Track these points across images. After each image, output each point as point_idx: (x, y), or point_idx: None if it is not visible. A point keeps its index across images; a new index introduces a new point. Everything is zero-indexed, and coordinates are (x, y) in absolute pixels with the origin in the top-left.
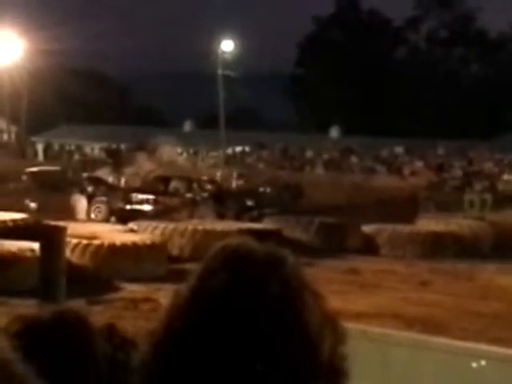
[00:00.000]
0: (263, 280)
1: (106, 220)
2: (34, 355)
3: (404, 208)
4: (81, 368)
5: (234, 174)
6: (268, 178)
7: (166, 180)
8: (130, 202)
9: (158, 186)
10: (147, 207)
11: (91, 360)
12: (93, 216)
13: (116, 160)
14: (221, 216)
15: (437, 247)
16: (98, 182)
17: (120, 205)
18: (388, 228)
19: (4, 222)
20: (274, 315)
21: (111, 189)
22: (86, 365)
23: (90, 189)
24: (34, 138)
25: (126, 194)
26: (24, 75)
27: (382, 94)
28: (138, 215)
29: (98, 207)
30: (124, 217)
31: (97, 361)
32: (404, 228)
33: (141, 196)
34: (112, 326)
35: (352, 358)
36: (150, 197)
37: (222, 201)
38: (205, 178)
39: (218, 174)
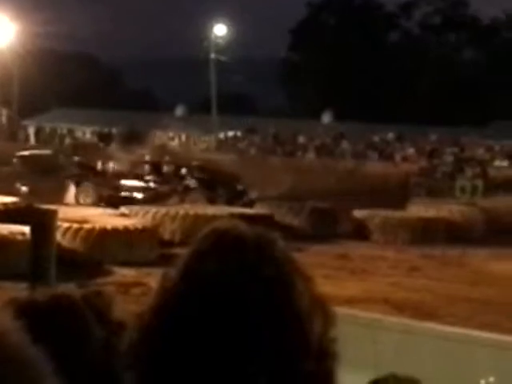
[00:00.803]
0: (253, 263)
1: (95, 205)
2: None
3: (395, 194)
4: (76, 353)
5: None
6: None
7: (155, 165)
8: (120, 188)
9: (147, 171)
10: (137, 193)
11: (87, 345)
12: (81, 201)
13: (107, 144)
14: (212, 202)
15: (428, 233)
16: (85, 166)
17: (109, 191)
18: (379, 213)
19: None
20: (264, 298)
21: (100, 174)
22: (82, 349)
23: (77, 173)
24: (25, 122)
25: (115, 180)
26: (15, 58)
27: (375, 80)
28: (127, 202)
29: (86, 192)
30: (113, 203)
31: (92, 346)
32: (395, 213)
33: (130, 182)
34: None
35: (343, 342)
36: (140, 183)
37: (213, 186)
38: (195, 163)
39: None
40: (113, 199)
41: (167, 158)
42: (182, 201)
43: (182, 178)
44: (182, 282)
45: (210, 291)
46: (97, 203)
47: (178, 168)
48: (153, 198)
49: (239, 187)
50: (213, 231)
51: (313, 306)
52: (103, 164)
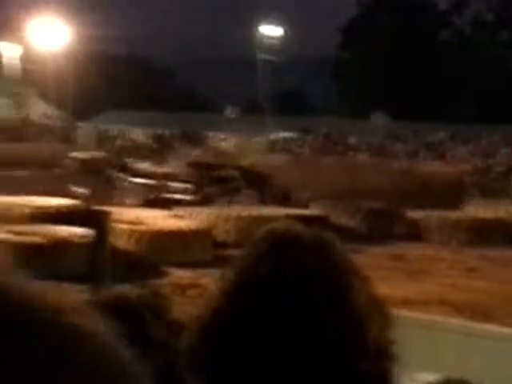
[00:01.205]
0: (311, 264)
1: (141, 207)
2: None
3: (450, 194)
4: (139, 355)
5: None
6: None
7: (206, 167)
8: (167, 190)
9: (197, 173)
10: (184, 195)
11: (146, 346)
12: (127, 203)
13: (160, 145)
14: (263, 203)
15: (484, 234)
16: (132, 168)
17: (156, 193)
18: (435, 214)
19: (51, 207)
20: (322, 299)
21: (147, 176)
22: (141, 351)
23: (123, 176)
24: (79, 124)
25: (163, 181)
26: (70, 61)
27: (427, 78)
28: (174, 203)
29: (132, 194)
30: (160, 205)
31: (151, 347)
32: (451, 214)
33: (178, 184)
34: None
35: (402, 344)
36: (188, 185)
37: (263, 187)
38: (244, 164)
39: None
40: (160, 201)
41: (218, 160)
42: (231, 202)
43: (232, 179)
44: (239, 284)
45: (268, 292)
46: (143, 205)
47: (228, 169)
48: (201, 199)
49: (284, 188)
50: (270, 233)
51: (370, 307)
52: (152, 165)
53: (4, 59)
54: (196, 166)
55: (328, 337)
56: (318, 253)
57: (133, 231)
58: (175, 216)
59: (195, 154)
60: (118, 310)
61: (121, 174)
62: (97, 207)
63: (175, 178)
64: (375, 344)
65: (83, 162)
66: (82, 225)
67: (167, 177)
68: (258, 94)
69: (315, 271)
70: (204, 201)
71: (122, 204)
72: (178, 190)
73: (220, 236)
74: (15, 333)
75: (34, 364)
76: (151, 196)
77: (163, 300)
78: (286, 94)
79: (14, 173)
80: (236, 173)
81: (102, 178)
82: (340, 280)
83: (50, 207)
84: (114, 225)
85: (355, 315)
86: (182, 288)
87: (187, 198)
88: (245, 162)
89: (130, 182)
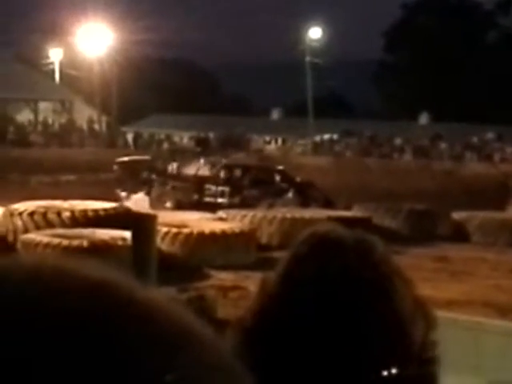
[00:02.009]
0: (353, 266)
1: (174, 210)
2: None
3: (495, 195)
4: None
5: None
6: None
7: (246, 169)
8: (204, 193)
9: (232, 175)
10: (222, 198)
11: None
12: (167, 206)
13: (204, 149)
14: (304, 206)
15: None
16: (165, 171)
17: (190, 196)
18: (479, 215)
19: (96, 211)
20: (365, 301)
21: (183, 179)
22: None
23: (156, 179)
24: (124, 128)
25: (199, 185)
26: (114, 66)
27: (472, 80)
28: (213, 207)
29: (166, 198)
30: (196, 208)
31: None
32: (495, 215)
33: (216, 187)
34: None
35: (444, 346)
36: (226, 188)
37: (306, 191)
38: (280, 167)
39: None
40: (195, 204)
41: (258, 162)
42: (271, 205)
43: (272, 181)
44: (282, 287)
45: (311, 296)
46: (176, 208)
47: (268, 172)
48: (240, 204)
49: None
50: (312, 235)
51: (414, 310)
52: (190, 168)
53: (52, 65)
54: (233, 168)
55: (371, 341)
56: (360, 255)
57: (177, 234)
58: (219, 219)
59: (237, 156)
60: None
61: (161, 178)
62: (142, 210)
63: (213, 181)
64: (420, 347)
65: (129, 165)
66: (126, 228)
67: (205, 180)
68: (302, 97)
69: (357, 274)
70: (243, 204)
71: (162, 207)
72: (216, 193)
73: (264, 238)
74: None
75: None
76: (189, 199)
77: (209, 302)
78: (330, 97)
79: (60, 177)
80: (277, 175)
81: (144, 181)
82: (383, 283)
83: (94, 211)
84: (159, 228)
85: (399, 318)
86: (225, 290)
87: (224, 201)
88: (287, 164)
89: (170, 185)
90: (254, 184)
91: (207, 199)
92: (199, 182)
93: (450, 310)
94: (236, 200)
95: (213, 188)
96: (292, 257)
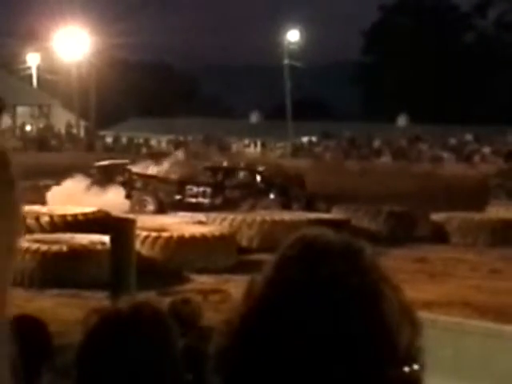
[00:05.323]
0: (341, 271)
1: (155, 213)
2: (113, 348)
3: (474, 196)
4: (158, 360)
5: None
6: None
7: (226, 171)
8: (184, 195)
9: (214, 177)
10: (203, 199)
11: (168, 352)
12: (136, 209)
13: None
14: (286, 207)
15: (508, 235)
16: (143, 175)
17: (174, 197)
18: (458, 216)
19: (75, 215)
20: (352, 306)
21: (163, 181)
22: (164, 357)
23: (133, 181)
24: (102, 132)
25: (179, 187)
26: (92, 70)
27: (450, 81)
28: (194, 208)
29: (145, 200)
30: (179, 210)
31: (174, 353)
32: (474, 216)
33: (196, 188)
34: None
35: (424, 346)
36: (207, 189)
37: (287, 192)
38: (261, 168)
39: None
40: (180, 206)
41: (240, 165)
42: (253, 207)
43: (253, 184)
44: (269, 290)
45: (298, 299)
46: (157, 211)
47: (249, 173)
48: (221, 204)
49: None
50: (300, 239)
51: (401, 315)
52: (170, 170)
53: (30, 70)
54: (213, 170)
55: (358, 345)
56: (349, 260)
57: (157, 238)
58: (199, 222)
59: (217, 159)
60: (142, 318)
61: (141, 180)
62: (121, 214)
63: (193, 183)
64: (405, 352)
65: (108, 169)
66: (105, 232)
67: (185, 181)
68: (281, 100)
69: (345, 279)
70: (224, 205)
71: (142, 211)
72: (197, 193)
73: (244, 241)
74: None
75: None
76: (168, 200)
77: (193, 306)
78: (309, 100)
79: (39, 182)
80: (256, 177)
81: (123, 184)
82: (371, 289)
83: (73, 215)
84: (138, 232)
85: (386, 323)
86: (205, 293)
87: (206, 201)
88: (266, 166)
89: (150, 187)
90: (235, 186)
91: (189, 200)
92: (181, 184)
93: (429, 311)
94: (218, 201)
95: (194, 189)
96: (279, 260)
